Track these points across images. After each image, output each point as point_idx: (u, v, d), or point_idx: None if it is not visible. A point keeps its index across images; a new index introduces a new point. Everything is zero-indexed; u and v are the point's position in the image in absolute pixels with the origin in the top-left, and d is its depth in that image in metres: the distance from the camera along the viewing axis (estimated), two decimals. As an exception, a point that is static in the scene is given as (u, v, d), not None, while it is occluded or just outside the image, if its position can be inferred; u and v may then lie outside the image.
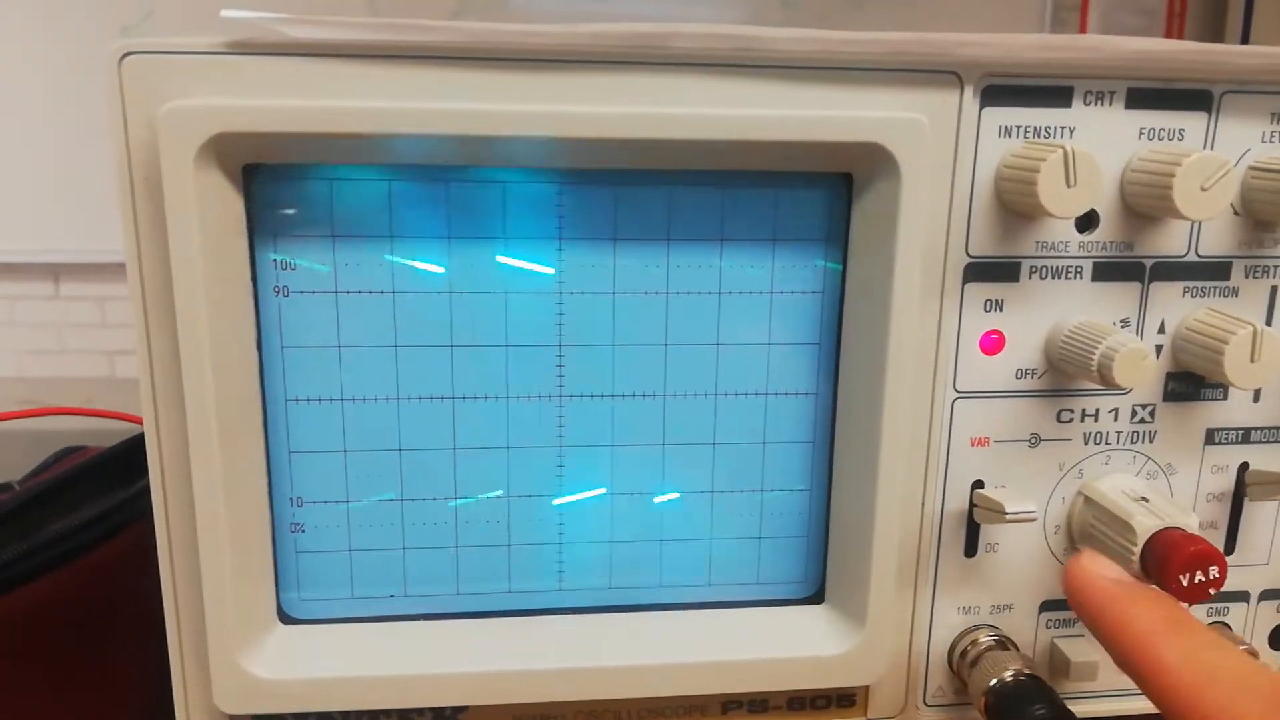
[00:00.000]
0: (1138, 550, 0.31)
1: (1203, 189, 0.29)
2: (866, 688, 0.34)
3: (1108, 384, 0.30)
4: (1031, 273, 0.32)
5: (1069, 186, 0.28)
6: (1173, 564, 0.30)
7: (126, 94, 0.28)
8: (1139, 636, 0.26)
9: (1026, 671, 0.32)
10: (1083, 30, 2.03)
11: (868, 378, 0.31)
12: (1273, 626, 0.36)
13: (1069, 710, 0.31)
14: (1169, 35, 2.07)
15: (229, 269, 0.29)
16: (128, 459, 0.47)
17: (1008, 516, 0.31)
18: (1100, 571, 0.28)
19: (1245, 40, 2.00)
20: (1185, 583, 0.30)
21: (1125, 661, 0.26)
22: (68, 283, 2.04)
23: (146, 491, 0.46)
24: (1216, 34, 2.06)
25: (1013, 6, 1.97)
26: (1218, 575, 0.30)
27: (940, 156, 0.30)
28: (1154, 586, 0.29)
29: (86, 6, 1.81)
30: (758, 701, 0.34)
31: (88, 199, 1.86)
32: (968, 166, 0.30)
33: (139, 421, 0.30)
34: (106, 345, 2.05)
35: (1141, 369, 0.29)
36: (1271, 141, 0.32)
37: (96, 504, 0.44)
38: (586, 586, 0.34)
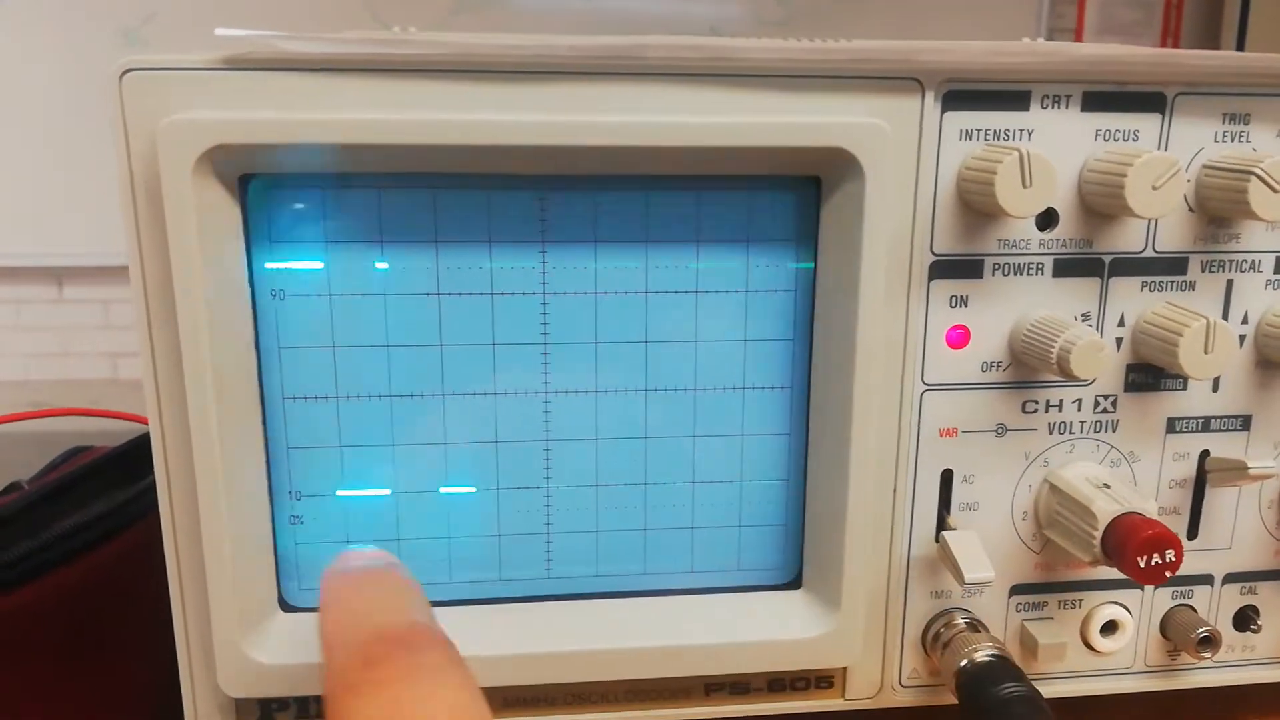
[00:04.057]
0: (1099, 535, 0.32)
1: (1154, 188, 0.30)
2: (844, 670, 0.36)
3: (1066, 375, 0.31)
4: (994, 270, 0.33)
5: (1025, 187, 0.30)
6: (1130, 547, 0.31)
7: (127, 108, 0.29)
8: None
9: (996, 652, 0.34)
10: (1080, 23, 2.04)
11: (838, 372, 0.33)
12: (1236, 609, 0.38)
13: (1037, 689, 0.32)
14: (1165, 27, 2.08)
15: (227, 274, 0.31)
16: (132, 458, 0.49)
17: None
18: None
19: (1242, 32, 2.01)
20: (1143, 565, 0.31)
21: None
22: (71, 286, 2.05)
23: (151, 490, 0.47)
24: (1213, 24, 2.07)
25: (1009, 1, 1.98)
26: (1174, 558, 0.31)
27: (903, 159, 0.31)
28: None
29: (88, 10, 1.83)
30: (739, 684, 0.36)
31: (90, 202, 1.87)
32: (930, 169, 0.32)
33: (144, 421, 0.32)
34: (110, 348, 2.07)
35: (1098, 360, 0.31)
36: (1223, 141, 0.33)
37: (102, 502, 0.45)
38: (574, 575, 0.35)
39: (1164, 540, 0.31)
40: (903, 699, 0.37)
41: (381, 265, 0.32)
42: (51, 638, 0.42)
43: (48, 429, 0.66)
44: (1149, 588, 0.37)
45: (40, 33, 1.85)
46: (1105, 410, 0.35)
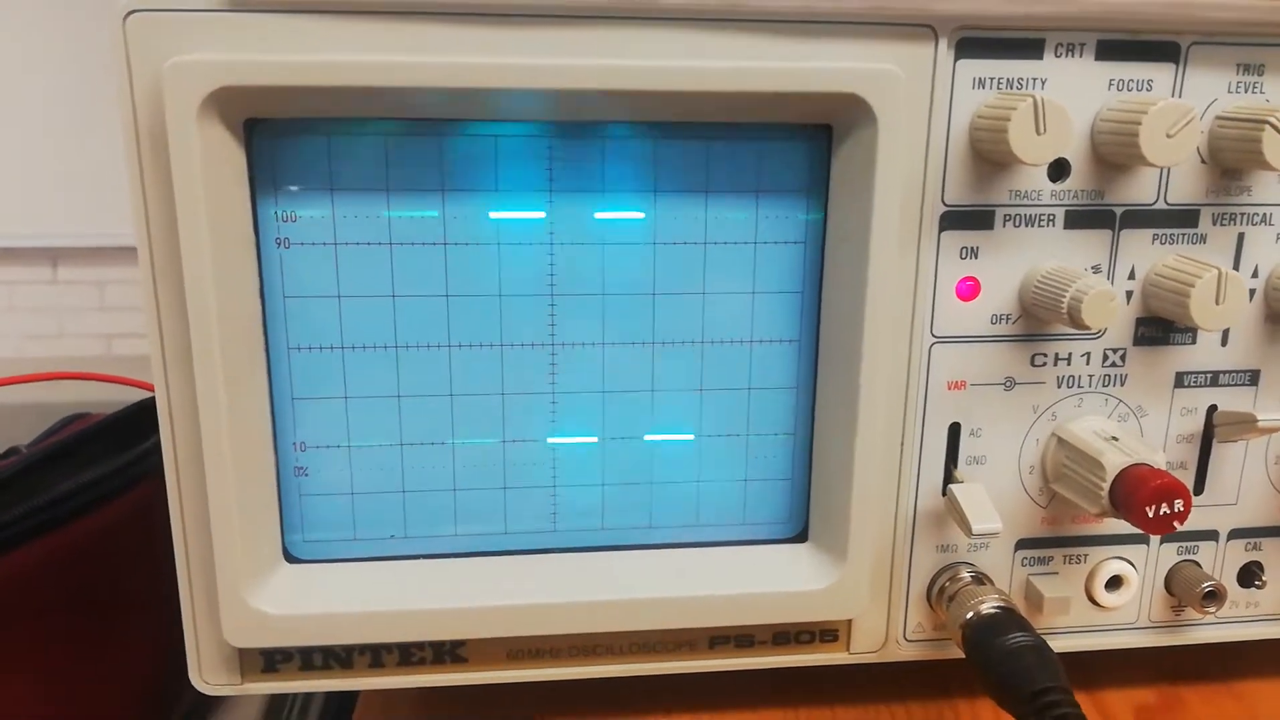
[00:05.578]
0: (1106, 486, 0.32)
1: (1168, 136, 0.30)
2: (849, 623, 0.36)
3: (1077, 325, 0.31)
4: (1005, 221, 0.33)
5: (1039, 134, 0.29)
6: (1139, 497, 0.31)
7: (131, 52, 0.28)
8: None
9: (1001, 604, 0.34)
10: None
11: (848, 324, 0.32)
12: (1241, 565, 0.38)
13: (1043, 639, 0.32)
14: None
15: (232, 221, 0.30)
16: (131, 423, 0.49)
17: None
18: None
19: None
20: (1151, 514, 0.31)
21: None
22: (66, 267, 2.04)
23: (149, 454, 0.47)
24: None
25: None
26: (1182, 508, 0.31)
27: (916, 108, 0.31)
28: None
29: (83, -11, 1.81)
30: (744, 636, 0.36)
31: (85, 184, 1.86)
32: (943, 117, 0.31)
33: (142, 386, 0.32)
34: (105, 328, 2.06)
35: (1109, 310, 0.31)
36: (1237, 91, 0.33)
37: (101, 465, 0.45)
38: (579, 528, 0.35)
39: (1172, 490, 0.31)
40: (908, 653, 0.37)
41: (387, 213, 0.32)
42: (51, 597, 0.42)
43: (46, 398, 0.65)
44: (1154, 542, 0.37)
45: (37, 14, 1.83)
46: (1114, 364, 0.35)
